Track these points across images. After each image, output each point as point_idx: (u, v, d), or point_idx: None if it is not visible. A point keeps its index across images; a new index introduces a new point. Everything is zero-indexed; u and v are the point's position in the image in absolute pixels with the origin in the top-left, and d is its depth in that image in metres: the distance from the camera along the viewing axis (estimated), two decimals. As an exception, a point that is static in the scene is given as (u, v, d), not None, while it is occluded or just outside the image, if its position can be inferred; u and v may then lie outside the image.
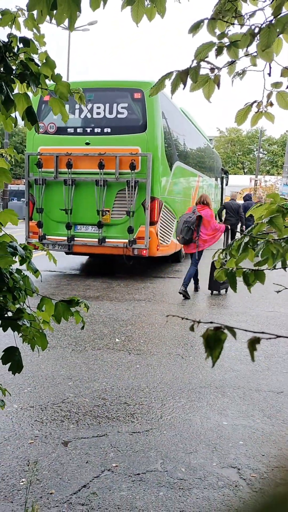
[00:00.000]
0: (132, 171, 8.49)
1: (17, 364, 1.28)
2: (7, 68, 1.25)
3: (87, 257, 11.65)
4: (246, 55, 1.36)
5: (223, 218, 13.13)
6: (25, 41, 1.32)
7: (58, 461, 2.73)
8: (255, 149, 58.16)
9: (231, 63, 1.38)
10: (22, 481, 2.54)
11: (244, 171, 59.28)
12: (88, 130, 8.89)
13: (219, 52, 1.33)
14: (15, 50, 1.35)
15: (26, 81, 1.32)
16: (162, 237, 9.24)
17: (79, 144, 8.83)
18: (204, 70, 1.33)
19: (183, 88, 1.37)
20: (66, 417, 3.28)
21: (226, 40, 1.35)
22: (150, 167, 8.44)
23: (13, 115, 1.48)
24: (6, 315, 1.24)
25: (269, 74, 1.35)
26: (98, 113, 8.80)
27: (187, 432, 3.13)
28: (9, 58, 1.28)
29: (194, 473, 2.66)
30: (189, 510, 2.34)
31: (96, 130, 8.84)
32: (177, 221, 7.89)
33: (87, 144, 8.80)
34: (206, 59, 1.34)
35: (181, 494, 2.47)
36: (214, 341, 0.94)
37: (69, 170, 8.81)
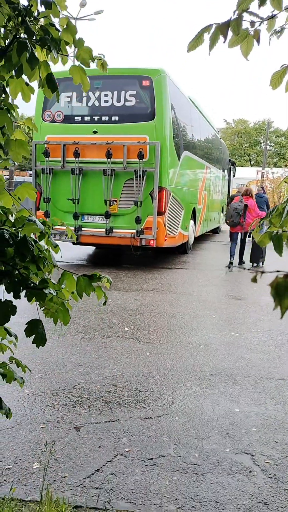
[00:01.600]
0: (140, 160, 8.42)
1: (40, 337, 1.25)
2: (28, 31, 1.21)
3: (94, 248, 11.63)
4: (286, 8, 1.30)
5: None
6: (47, 2, 1.27)
7: (70, 445, 2.72)
8: (262, 141, 57.76)
9: (272, 17, 1.31)
10: (35, 465, 2.53)
11: (250, 163, 58.90)
12: (96, 118, 8.81)
13: (262, 2, 1.26)
14: (35, 14, 1.31)
15: (46, 46, 1.28)
16: (170, 228, 9.19)
17: (87, 132, 8.76)
18: (243, 25, 1.27)
19: (224, 42, 1.31)
20: (77, 402, 3.26)
21: None
22: (159, 156, 8.36)
23: (32, 84, 1.45)
24: (31, 285, 1.21)
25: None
26: (106, 101, 8.71)
27: (199, 419, 3.10)
28: (30, 23, 1.24)
29: (207, 459, 2.64)
30: (204, 495, 2.32)
31: (103, 118, 8.76)
32: (227, 208, 10.17)
33: (95, 132, 8.73)
34: (248, 10, 1.28)
35: (195, 479, 2.45)
36: (284, 289, 0.88)
37: (77, 159, 8.75)
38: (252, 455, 2.71)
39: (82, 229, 8.97)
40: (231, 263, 9.57)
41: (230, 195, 16.03)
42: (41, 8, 1.30)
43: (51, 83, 1.33)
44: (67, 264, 9.27)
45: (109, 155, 8.55)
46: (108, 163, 8.59)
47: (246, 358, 4.32)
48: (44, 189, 9.08)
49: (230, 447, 2.78)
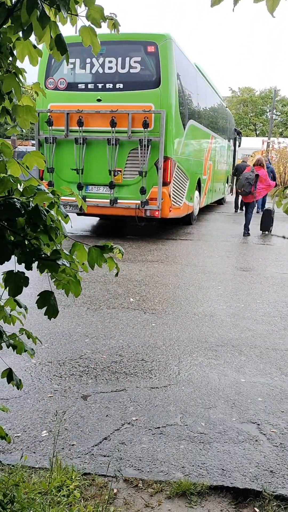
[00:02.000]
0: (145, 130, 8.26)
1: (53, 309, 1.23)
2: (36, -12, 1.14)
3: (98, 218, 11.57)
4: None
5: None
6: None
7: (78, 414, 2.75)
8: (268, 110, 56.58)
9: None
10: (44, 433, 2.57)
11: (256, 133, 57.89)
12: (100, 86, 8.59)
13: None
14: None
15: (55, 5, 1.20)
16: (175, 199, 9.09)
17: (91, 100, 8.56)
18: None
19: None
20: (84, 372, 3.29)
21: None
22: (164, 125, 8.19)
23: (39, 46, 1.38)
24: (43, 256, 1.18)
25: None
26: (110, 68, 8.48)
27: (205, 388, 3.13)
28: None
29: (214, 428, 2.67)
30: (211, 463, 2.36)
31: (107, 86, 8.54)
32: (239, 178, 10.75)
33: (99, 100, 8.53)
34: None
35: (202, 448, 2.49)
36: None
37: (80, 128, 8.59)
38: (258, 424, 2.74)
39: (86, 199, 8.88)
40: (248, 233, 10.21)
41: (235, 165, 15.78)
42: None
43: (60, 45, 1.26)
44: (71, 235, 9.17)
45: (113, 124, 8.38)
46: (113, 132, 8.44)
47: (252, 329, 4.34)
48: (48, 159, 8.95)
49: (236, 416, 2.81)
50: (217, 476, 2.26)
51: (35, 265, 1.22)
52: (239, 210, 14.93)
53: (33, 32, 1.21)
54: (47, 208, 1.20)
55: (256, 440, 2.58)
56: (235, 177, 14.78)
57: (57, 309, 1.26)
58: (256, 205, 10.90)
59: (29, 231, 1.15)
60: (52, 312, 1.24)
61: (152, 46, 8.19)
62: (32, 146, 21.08)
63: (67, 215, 1.39)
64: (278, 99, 54.77)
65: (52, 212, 1.21)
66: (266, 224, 10.49)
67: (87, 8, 1.31)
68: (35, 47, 1.38)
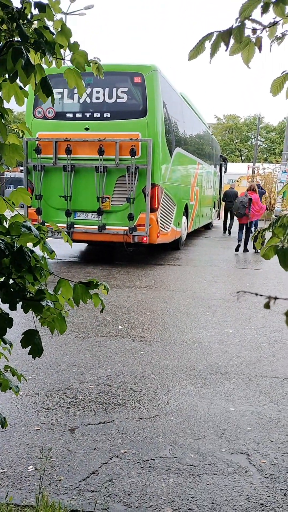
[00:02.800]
0: (133, 157, 8.39)
1: (37, 348, 1.23)
2: (22, 35, 1.17)
3: (86, 244, 11.58)
4: None
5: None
6: (41, 6, 1.23)
7: (65, 448, 2.70)
8: (252, 137, 57.90)
9: (274, 24, 1.29)
10: (30, 468, 2.51)
11: (241, 159, 59.02)
12: (88, 115, 8.75)
13: (265, 9, 1.24)
14: (29, 17, 1.28)
15: (41, 50, 1.24)
16: (163, 224, 9.17)
17: (78, 129, 8.70)
18: (246, 31, 1.25)
19: (226, 50, 1.29)
20: (72, 403, 3.24)
21: None
22: (151, 153, 8.33)
23: (25, 88, 1.41)
24: (28, 296, 1.18)
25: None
26: (98, 98, 8.65)
27: (194, 418, 3.10)
28: (23, 26, 1.20)
29: (203, 459, 2.64)
30: (200, 496, 2.32)
31: (95, 115, 8.70)
32: (228, 203, 13.85)
33: (87, 129, 8.67)
34: (251, 17, 1.26)
35: (191, 481, 2.45)
36: None
37: (68, 156, 8.70)
38: (248, 454, 2.71)
39: (75, 226, 8.93)
40: (238, 245, 11.65)
41: (224, 191, 16.53)
42: (35, 11, 1.27)
43: (46, 88, 1.30)
44: (59, 261, 9.22)
45: (101, 151, 8.50)
46: (100, 160, 8.55)
47: (241, 356, 4.33)
48: (36, 186, 9.02)
49: (225, 447, 2.78)
50: (207, 510, 2.22)
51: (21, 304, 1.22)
52: (226, 233, 16.31)
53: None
54: (31, 249, 1.21)
55: (246, 472, 2.54)
56: (224, 202, 16.03)
57: (42, 348, 1.26)
58: (237, 241, 11.86)
59: (13, 270, 1.16)
60: (36, 351, 1.24)
61: (139, 77, 8.39)
62: (21, 172, 21.17)
63: (53, 251, 1.41)
64: (262, 126, 56.16)
65: (37, 251, 1.22)
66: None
67: (71, 52, 1.36)
68: (21, 88, 1.42)
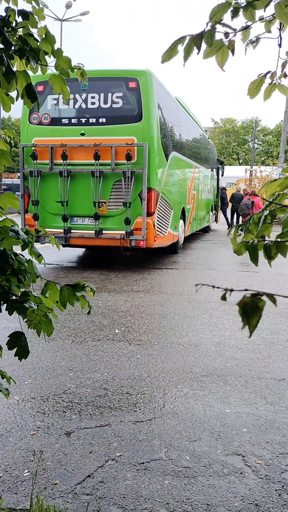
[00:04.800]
0: (128, 162, 8.42)
1: (23, 350, 1.24)
2: (6, 42, 1.20)
3: (84, 249, 11.60)
4: (261, 19, 1.31)
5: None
6: (24, 13, 1.26)
7: (61, 452, 2.71)
8: (250, 140, 58.08)
9: (246, 28, 1.32)
10: (26, 472, 2.51)
11: (239, 162, 59.18)
12: (83, 120, 8.79)
13: (235, 13, 1.27)
14: (13, 24, 1.30)
15: (25, 57, 1.27)
16: (159, 228, 9.20)
17: (74, 135, 8.73)
18: (217, 36, 1.28)
19: (197, 53, 1.31)
20: (68, 407, 3.25)
21: (242, 1, 1.29)
22: (147, 157, 8.37)
23: (11, 94, 1.44)
24: (12, 298, 1.20)
25: (280, 45, 1.30)
26: (93, 103, 8.70)
27: (190, 421, 3.11)
28: (8, 33, 1.23)
29: (198, 461, 2.64)
30: (195, 498, 2.33)
31: (91, 120, 8.74)
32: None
33: (82, 134, 8.71)
34: (221, 22, 1.28)
35: (187, 482, 2.45)
36: (251, 309, 0.89)
37: (64, 161, 8.73)
38: (243, 456, 2.72)
39: (72, 231, 8.95)
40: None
41: (232, 193, 19.48)
42: (20, 18, 1.30)
43: (30, 94, 1.32)
44: (57, 267, 9.24)
45: (97, 157, 8.54)
46: (96, 165, 8.58)
47: (237, 358, 4.34)
48: (33, 191, 9.05)
49: (221, 448, 2.78)
50: (202, 512, 2.23)
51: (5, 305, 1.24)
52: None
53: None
54: (15, 252, 1.23)
55: (241, 473, 2.55)
56: (231, 203, 19.00)
57: (28, 349, 1.27)
58: None
59: (-1, 273, 1.17)
60: (22, 353, 1.25)
61: (134, 82, 8.44)
62: (18, 178, 21.23)
63: (40, 255, 1.42)
64: (259, 129, 56.34)
65: (22, 255, 1.23)
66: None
67: (55, 58, 1.38)
68: (7, 94, 1.44)
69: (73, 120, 8.84)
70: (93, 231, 8.79)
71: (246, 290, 0.94)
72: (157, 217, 8.98)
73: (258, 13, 1.28)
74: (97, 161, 8.55)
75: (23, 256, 1.32)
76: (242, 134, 60.40)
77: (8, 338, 1.26)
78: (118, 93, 8.55)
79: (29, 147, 8.90)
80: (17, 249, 1.41)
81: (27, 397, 3.40)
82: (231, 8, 1.26)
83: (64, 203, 8.85)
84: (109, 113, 8.63)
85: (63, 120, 8.88)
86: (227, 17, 1.28)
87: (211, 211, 18.81)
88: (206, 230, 18.21)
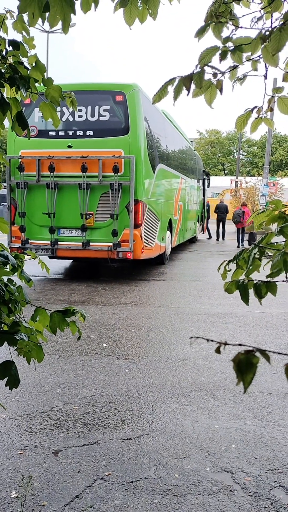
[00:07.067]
0: (116, 174, 8.46)
1: (13, 379, 1.23)
2: (-4, 72, 1.21)
3: (71, 261, 11.56)
4: (248, 59, 1.35)
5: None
6: (15, 43, 1.28)
7: (49, 472, 2.68)
8: (235, 151, 58.74)
9: (234, 68, 1.36)
10: (13, 494, 2.48)
11: (224, 173, 59.78)
12: (70, 133, 8.82)
13: (223, 56, 1.31)
14: (4, 53, 1.31)
15: (16, 85, 1.28)
16: (147, 240, 9.22)
17: (61, 147, 8.75)
18: (206, 75, 1.31)
19: (187, 94, 1.34)
20: (55, 425, 3.22)
21: (230, 44, 1.33)
22: (134, 170, 8.41)
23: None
24: (1, 329, 1.20)
25: (265, 77, 1.34)
26: (80, 116, 8.74)
27: (179, 437, 3.10)
28: (-2, 62, 1.24)
29: (187, 479, 2.64)
30: (185, 517, 2.32)
31: (78, 133, 8.77)
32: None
33: (69, 147, 8.73)
34: (210, 64, 1.32)
35: (176, 501, 2.44)
36: (246, 366, 0.91)
37: (52, 173, 8.73)
38: (232, 473, 2.72)
39: (59, 243, 8.93)
40: (238, 246, 16.97)
41: (216, 204, 20.49)
42: (10, 47, 1.31)
43: (21, 122, 1.33)
44: (44, 279, 9.18)
45: (84, 169, 8.56)
46: (84, 177, 8.60)
47: (225, 371, 4.35)
48: (19, 203, 9.01)
49: (210, 465, 2.78)
50: (191, 532, 2.21)
51: None
52: (220, 239, 20.04)
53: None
54: (6, 283, 1.23)
55: (230, 490, 2.55)
56: (216, 214, 19.84)
57: (18, 379, 1.26)
58: (237, 241, 17.19)
59: (-11, 303, 1.17)
60: (13, 382, 1.24)
61: (120, 95, 8.51)
62: (5, 188, 21.09)
63: (30, 279, 1.42)
64: (244, 140, 57.11)
65: (12, 285, 1.23)
66: (250, 241, 17.03)
67: (46, 87, 1.40)
68: (-2, 121, 1.45)
69: (60, 133, 8.86)
70: (80, 243, 8.78)
71: (240, 345, 0.96)
72: (144, 228, 9.01)
73: (246, 54, 1.33)
74: (84, 173, 8.57)
75: (14, 281, 1.31)
76: (227, 145, 61.12)
77: (-2, 367, 1.25)
78: (105, 106, 8.61)
79: (16, 159, 8.88)
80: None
81: (14, 415, 3.36)
82: (219, 52, 1.29)
83: (51, 214, 8.83)
84: (96, 126, 8.67)
85: (50, 132, 8.90)
86: (215, 59, 1.32)
87: (198, 221, 18.96)
88: (193, 240, 18.34)
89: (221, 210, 19.68)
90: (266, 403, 3.67)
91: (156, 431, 3.17)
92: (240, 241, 16.94)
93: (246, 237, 18.29)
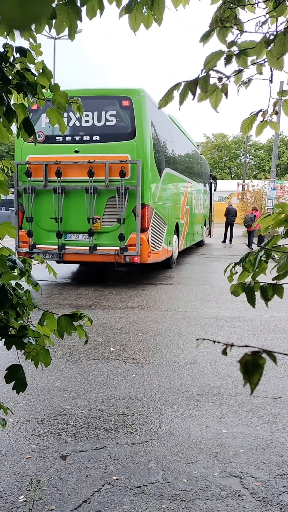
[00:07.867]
0: (122, 178, 8.49)
1: (21, 383, 1.24)
2: (4, 78, 1.22)
3: (78, 265, 11.59)
4: (253, 63, 1.35)
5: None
6: (22, 50, 1.29)
7: (57, 476, 2.68)
8: (241, 154, 58.70)
9: (239, 72, 1.37)
10: (21, 498, 2.48)
11: (231, 176, 59.73)
12: (77, 138, 8.87)
13: (228, 60, 1.31)
14: (11, 60, 1.33)
15: (23, 91, 1.29)
16: (153, 244, 9.23)
17: (68, 152, 8.80)
18: (211, 79, 1.32)
19: (193, 99, 1.35)
20: (63, 430, 3.22)
21: (235, 49, 1.33)
22: (140, 174, 8.44)
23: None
24: (9, 333, 1.20)
25: (271, 80, 1.34)
26: (87, 121, 8.79)
27: (187, 442, 3.09)
28: (6, 68, 1.25)
29: (196, 484, 2.62)
30: (193, 522, 2.30)
31: (85, 138, 8.82)
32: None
33: (76, 152, 8.77)
34: (215, 68, 1.32)
35: (184, 506, 2.43)
36: (252, 367, 0.90)
37: (59, 178, 8.77)
38: (241, 478, 2.70)
39: (66, 247, 8.96)
40: (247, 245, 18.22)
41: (226, 208, 21.01)
42: (17, 54, 1.33)
43: (28, 128, 1.35)
44: (51, 283, 9.21)
45: (91, 173, 8.60)
46: (91, 181, 8.64)
47: (233, 376, 4.33)
48: (27, 208, 9.07)
49: (218, 470, 2.77)
50: (200, 537, 2.20)
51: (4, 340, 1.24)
52: (227, 242, 20.36)
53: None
54: (14, 287, 1.24)
55: (239, 495, 2.53)
56: (226, 217, 20.28)
57: (26, 382, 1.27)
58: (248, 242, 18.32)
59: (-3, 307, 1.18)
60: (20, 386, 1.25)
61: (127, 100, 8.55)
62: (12, 194, 21.26)
63: (38, 284, 1.43)
64: (251, 144, 57.04)
65: (19, 290, 1.24)
66: (259, 243, 17.55)
67: (53, 93, 1.41)
68: (5, 126, 1.46)
69: (67, 138, 8.92)
70: (87, 247, 8.81)
71: (246, 346, 0.96)
72: (151, 232, 9.02)
73: (251, 58, 1.33)
74: (91, 178, 8.61)
75: (21, 285, 1.32)
76: (233, 149, 61.11)
77: (6, 371, 1.26)
78: (112, 111, 8.66)
79: (23, 164, 8.94)
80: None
81: (22, 419, 3.37)
82: (224, 56, 1.30)
83: (58, 219, 8.87)
84: (103, 130, 8.72)
85: (57, 137, 8.95)
86: (220, 64, 1.33)
87: (205, 225, 18.94)
88: (200, 244, 18.32)
89: (232, 213, 20.35)
90: (274, 408, 3.64)
91: (164, 436, 3.16)
92: (251, 244, 18.25)
93: (255, 240, 19.03)
